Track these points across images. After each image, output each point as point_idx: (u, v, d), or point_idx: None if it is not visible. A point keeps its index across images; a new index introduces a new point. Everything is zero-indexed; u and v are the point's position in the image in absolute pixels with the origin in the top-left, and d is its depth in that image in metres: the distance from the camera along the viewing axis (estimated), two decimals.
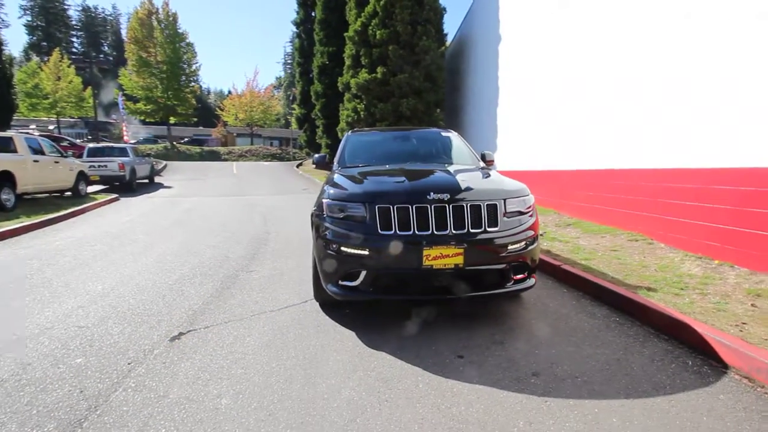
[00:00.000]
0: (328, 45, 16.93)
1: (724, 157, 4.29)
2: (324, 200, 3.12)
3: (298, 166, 25.96)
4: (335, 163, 4.24)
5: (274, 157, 35.73)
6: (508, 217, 2.97)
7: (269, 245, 6.05)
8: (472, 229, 2.84)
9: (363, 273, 2.86)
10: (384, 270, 2.84)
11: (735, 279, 3.73)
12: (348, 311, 3.37)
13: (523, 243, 2.97)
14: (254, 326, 3.13)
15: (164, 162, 23.74)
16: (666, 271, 4.11)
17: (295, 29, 25.82)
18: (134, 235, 6.74)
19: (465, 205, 2.86)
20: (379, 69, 13.45)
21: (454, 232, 2.81)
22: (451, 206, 2.83)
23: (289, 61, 71.04)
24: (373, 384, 2.29)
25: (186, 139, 41.37)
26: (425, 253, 2.74)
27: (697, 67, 4.65)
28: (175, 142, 32.95)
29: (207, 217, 8.80)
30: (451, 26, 78.04)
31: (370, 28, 13.52)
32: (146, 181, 15.57)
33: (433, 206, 2.81)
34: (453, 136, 4.81)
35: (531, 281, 3.07)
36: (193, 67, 30.73)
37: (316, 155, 4.77)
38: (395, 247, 2.76)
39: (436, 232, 2.79)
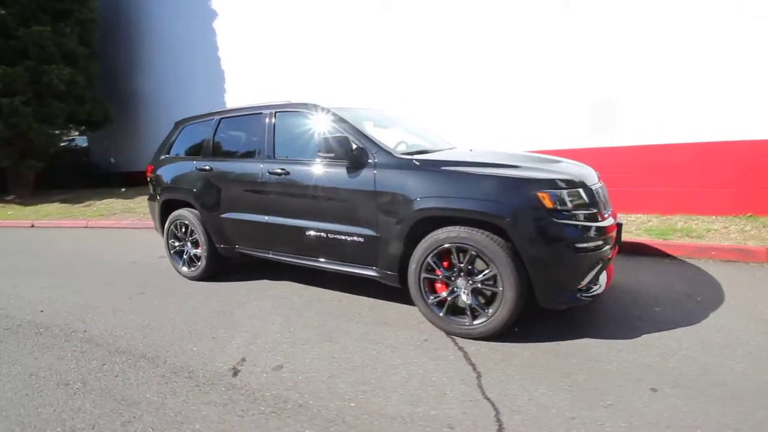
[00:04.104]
0: None
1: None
2: (542, 192, 2.27)
3: None
4: (377, 147, 2.75)
5: None
6: None
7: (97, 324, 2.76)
8: None
9: (597, 268, 2.35)
10: (603, 260, 2.42)
11: None
12: (517, 329, 2.44)
13: None
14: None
15: None
16: None
17: None
18: None
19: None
20: None
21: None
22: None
23: None
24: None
25: None
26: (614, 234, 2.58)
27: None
28: None
29: None
30: None
31: None
32: None
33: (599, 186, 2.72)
34: (404, 115, 4.13)
35: None
36: None
37: (333, 139, 2.61)
38: (611, 233, 2.48)
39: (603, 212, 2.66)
